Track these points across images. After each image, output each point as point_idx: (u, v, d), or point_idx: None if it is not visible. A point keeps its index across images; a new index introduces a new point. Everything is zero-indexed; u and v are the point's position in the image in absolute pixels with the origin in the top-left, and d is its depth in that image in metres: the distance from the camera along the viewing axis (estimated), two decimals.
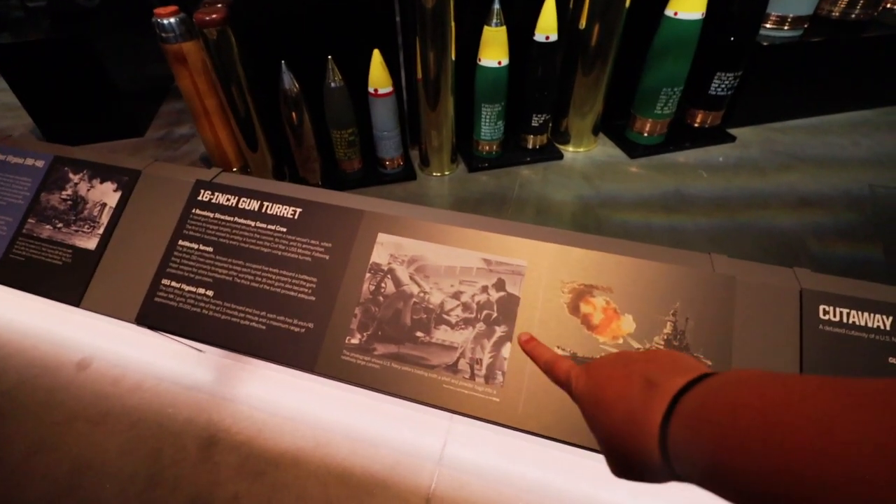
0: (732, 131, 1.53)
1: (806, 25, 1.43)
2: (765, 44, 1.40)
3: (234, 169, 1.34)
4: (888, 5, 1.49)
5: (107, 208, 0.78)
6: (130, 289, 0.72)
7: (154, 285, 0.71)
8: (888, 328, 0.54)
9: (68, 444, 0.81)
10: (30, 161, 0.85)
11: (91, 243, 0.77)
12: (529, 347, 0.41)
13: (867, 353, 0.52)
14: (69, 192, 0.81)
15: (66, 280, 0.75)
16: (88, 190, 0.80)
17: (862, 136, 1.49)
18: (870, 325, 0.54)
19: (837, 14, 1.47)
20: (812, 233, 1.14)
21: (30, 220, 0.80)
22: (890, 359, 0.52)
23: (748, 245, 1.11)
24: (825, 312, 0.56)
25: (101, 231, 0.77)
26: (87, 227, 0.78)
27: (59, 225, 0.79)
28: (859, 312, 0.55)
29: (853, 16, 1.46)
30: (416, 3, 1.08)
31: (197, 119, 1.23)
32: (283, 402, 0.85)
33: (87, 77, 1.46)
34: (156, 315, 0.70)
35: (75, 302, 0.73)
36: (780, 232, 1.15)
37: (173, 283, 0.71)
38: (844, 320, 0.55)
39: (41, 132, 1.55)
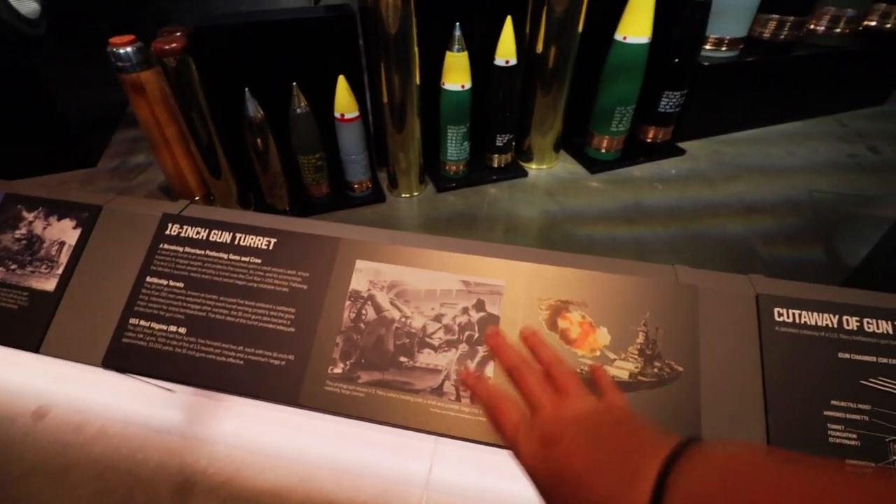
0: (682, 145, 1.62)
1: (741, 46, 1.55)
2: (706, 64, 1.51)
3: (197, 198, 1.31)
4: (811, 27, 1.63)
5: (66, 247, 0.75)
6: (95, 330, 0.69)
7: (121, 325, 0.68)
8: (835, 326, 0.59)
9: (28, 500, 0.75)
10: None
11: (49, 284, 0.73)
12: (472, 385, 0.38)
13: (820, 350, 0.57)
14: (23, 231, 0.77)
15: (23, 325, 0.71)
16: (45, 228, 0.76)
17: (797, 145, 1.62)
18: (820, 324, 0.59)
19: (768, 35, 1.60)
20: (760, 238, 1.22)
21: None
22: (840, 354, 0.57)
23: (704, 252, 1.18)
24: (779, 315, 0.60)
25: (59, 271, 0.74)
26: (44, 267, 0.74)
27: (13, 267, 0.75)
28: (810, 313, 0.59)
29: (781, 37, 1.59)
30: (380, 29, 1.10)
31: (156, 149, 1.19)
32: (261, 439, 0.83)
33: (33, 107, 1.39)
34: (124, 357, 0.67)
35: (33, 347, 0.69)
36: (732, 238, 1.22)
37: (142, 322, 0.68)
38: (797, 321, 0.59)
39: None
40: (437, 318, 0.64)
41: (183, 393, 0.88)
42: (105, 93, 1.79)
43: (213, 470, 0.79)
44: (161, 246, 0.72)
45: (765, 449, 0.22)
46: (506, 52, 1.25)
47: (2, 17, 1.32)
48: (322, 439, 0.82)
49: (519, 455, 0.31)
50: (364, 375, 0.62)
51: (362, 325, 0.65)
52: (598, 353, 0.60)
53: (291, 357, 0.64)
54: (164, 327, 0.67)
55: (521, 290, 0.63)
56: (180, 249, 0.71)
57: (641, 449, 0.26)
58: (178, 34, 1.05)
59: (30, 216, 0.78)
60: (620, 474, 0.26)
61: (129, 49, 1.05)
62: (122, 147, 1.66)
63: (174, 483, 0.77)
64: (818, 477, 0.20)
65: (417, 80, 1.22)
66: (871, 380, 0.55)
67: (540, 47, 1.32)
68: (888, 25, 1.72)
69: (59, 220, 0.77)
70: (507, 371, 0.37)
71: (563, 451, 0.29)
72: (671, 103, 1.50)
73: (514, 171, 1.50)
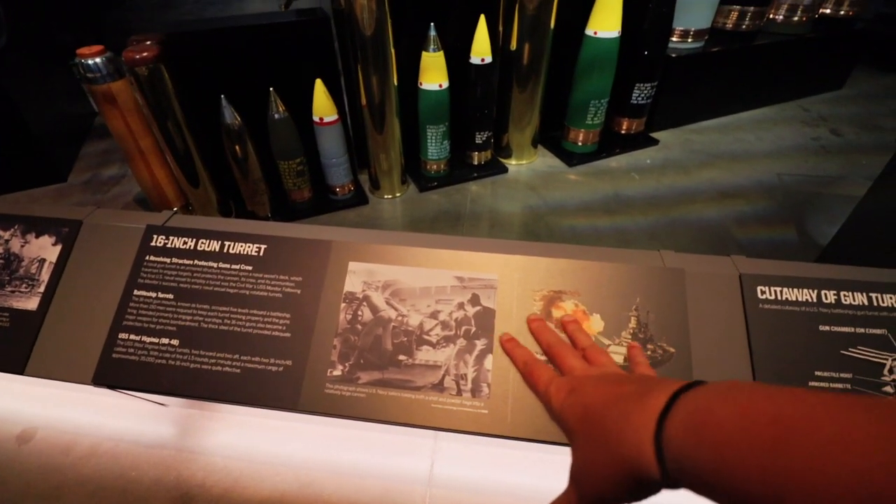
0: (655, 135, 1.67)
1: (706, 37, 1.60)
2: (674, 55, 1.56)
3: (175, 209, 1.28)
4: (771, 16, 1.70)
5: (46, 264, 0.73)
6: (83, 348, 0.67)
7: (110, 341, 0.67)
8: (814, 300, 0.62)
9: None
10: None
11: (31, 304, 0.71)
12: (509, 347, 0.41)
13: (802, 325, 0.60)
14: (0, 250, 0.74)
15: (6, 347, 0.68)
16: (23, 246, 0.74)
17: (765, 131, 1.68)
18: (800, 299, 0.61)
19: (731, 26, 1.66)
20: (735, 221, 1.27)
21: None
22: (821, 327, 0.60)
23: (683, 238, 1.22)
24: (762, 293, 0.63)
25: (41, 289, 0.71)
26: (24, 286, 0.72)
27: None
28: (790, 289, 0.62)
29: (744, 27, 1.65)
30: (356, 32, 1.10)
31: (131, 160, 1.16)
32: (258, 447, 0.82)
33: None
34: (115, 373, 0.65)
35: (18, 369, 0.67)
36: (708, 223, 1.27)
37: (132, 336, 0.67)
38: (779, 297, 0.62)
39: None
40: (434, 315, 0.64)
41: (175, 406, 0.86)
42: (71, 105, 1.73)
43: (211, 482, 0.78)
44: (147, 258, 0.70)
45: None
46: (481, 50, 1.26)
47: None
48: (320, 444, 0.82)
49: (549, 403, 0.35)
50: (364, 376, 0.62)
51: (359, 326, 0.65)
52: (593, 339, 0.61)
53: (289, 362, 0.63)
54: (156, 340, 0.66)
55: (514, 282, 0.64)
56: (167, 261, 0.70)
57: (658, 385, 0.28)
58: (149, 42, 1.02)
59: (6, 234, 0.75)
60: (636, 400, 0.28)
61: (98, 60, 1.02)
62: (93, 160, 1.61)
63: (171, 499, 0.76)
64: (815, 393, 0.22)
65: (395, 81, 1.22)
66: (851, 349, 0.58)
67: (514, 45, 1.34)
68: (842, 12, 1.80)
69: (37, 236, 0.74)
70: (545, 347, 0.40)
71: (588, 392, 0.32)
72: (643, 95, 1.54)
73: (495, 168, 1.52)
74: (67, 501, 0.76)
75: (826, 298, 0.61)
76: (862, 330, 0.59)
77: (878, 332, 0.59)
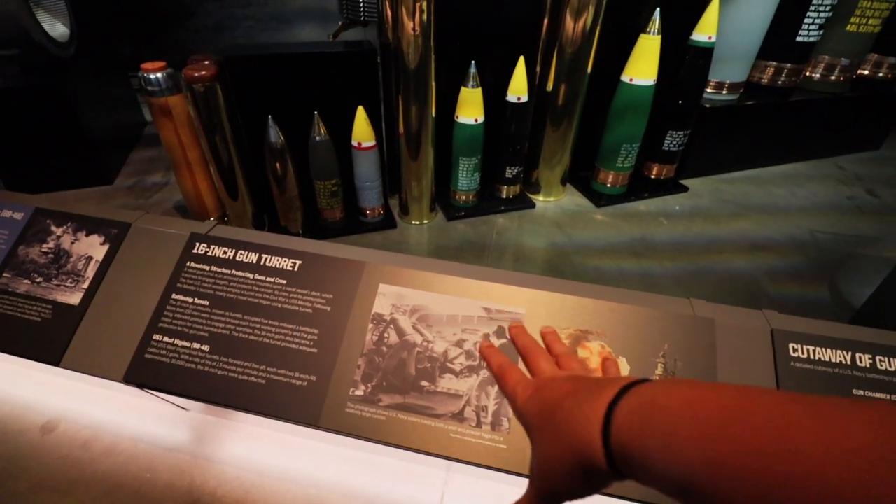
0: (685, 182, 1.67)
1: (741, 90, 1.62)
2: (707, 106, 1.57)
3: (213, 218, 1.33)
4: (808, 74, 1.71)
5: (92, 262, 0.76)
6: (118, 345, 0.70)
7: (145, 341, 0.69)
8: (848, 363, 0.60)
9: None
10: (6, 213, 0.82)
11: (74, 298, 0.74)
12: (487, 353, 0.42)
13: (835, 387, 0.58)
14: (51, 245, 0.78)
15: (46, 338, 0.71)
16: (73, 243, 0.78)
17: (797, 186, 1.67)
18: (834, 360, 0.60)
19: (766, 81, 1.67)
20: (764, 275, 1.25)
21: (5, 275, 0.77)
22: (854, 391, 0.58)
23: (711, 287, 1.20)
24: (794, 350, 0.61)
25: (85, 285, 0.75)
26: (70, 281, 0.75)
27: (39, 279, 0.76)
28: (824, 349, 0.61)
29: (779, 82, 1.66)
30: (400, 65, 1.16)
31: (177, 169, 1.22)
32: (272, 462, 0.82)
33: (57, 125, 1.43)
34: (146, 372, 0.67)
35: (55, 361, 0.70)
36: (738, 274, 1.25)
37: (165, 339, 0.69)
38: (812, 357, 0.61)
39: (1, 180, 1.48)
40: (459, 344, 0.65)
41: (196, 412, 0.87)
42: (124, 113, 1.84)
43: (222, 492, 0.78)
44: (188, 264, 0.73)
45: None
46: (518, 89, 1.30)
47: (34, 39, 1.37)
48: (332, 464, 0.82)
49: (514, 401, 0.35)
50: (385, 398, 0.63)
51: (384, 349, 0.66)
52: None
53: (313, 378, 0.65)
54: (188, 344, 0.68)
55: (541, 318, 0.65)
56: (207, 268, 0.73)
57: (612, 380, 0.29)
58: (207, 62, 1.09)
59: (58, 231, 0.79)
60: (589, 393, 0.29)
61: (159, 75, 1.09)
62: (139, 166, 1.69)
63: None
64: (758, 388, 0.23)
65: (433, 113, 1.26)
66: None
67: (550, 85, 1.38)
68: (881, 74, 1.80)
69: (87, 235, 0.78)
70: (520, 350, 0.42)
71: (550, 388, 0.33)
72: (675, 142, 1.55)
73: (523, 202, 1.54)
74: (82, 496, 0.77)
75: (861, 362, 0.59)
76: None
77: None
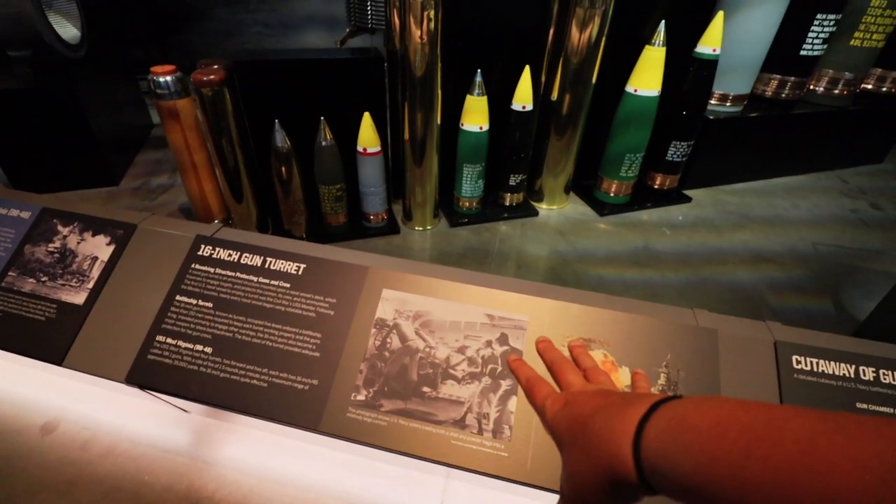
0: (688, 192, 1.67)
1: (745, 102, 1.63)
2: (711, 117, 1.58)
3: (217, 220, 1.33)
4: (811, 87, 1.72)
5: (98, 262, 0.77)
6: (121, 346, 0.70)
7: (148, 342, 0.69)
8: (852, 376, 0.60)
9: None
10: (14, 212, 0.83)
11: (79, 298, 0.74)
12: (515, 365, 0.43)
13: (839, 400, 0.58)
14: (57, 244, 0.79)
15: (49, 337, 0.72)
16: (79, 243, 0.78)
17: (800, 199, 1.67)
18: (837, 373, 0.60)
19: (770, 93, 1.68)
20: (767, 286, 1.24)
21: (10, 273, 0.77)
22: (858, 404, 0.58)
23: (713, 298, 1.20)
24: (798, 362, 0.61)
25: (90, 285, 0.75)
26: (75, 280, 0.76)
27: (44, 279, 0.76)
28: (827, 362, 0.61)
29: (783, 95, 1.67)
30: (407, 72, 1.16)
31: (183, 171, 1.23)
32: (271, 465, 0.82)
33: (66, 126, 1.44)
34: (148, 373, 0.67)
35: (58, 360, 0.70)
36: (740, 286, 1.25)
37: (168, 340, 0.69)
38: (815, 369, 0.61)
39: (8, 179, 1.50)
40: (461, 350, 0.65)
41: (196, 414, 0.87)
42: (132, 115, 1.85)
43: (221, 495, 0.78)
44: (193, 266, 0.73)
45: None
46: (523, 98, 1.31)
47: (46, 40, 1.39)
48: (331, 468, 0.81)
49: (544, 415, 0.35)
50: (387, 404, 0.63)
51: (387, 354, 0.66)
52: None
53: (315, 382, 0.65)
54: (191, 346, 0.68)
55: (544, 326, 0.65)
56: (211, 270, 0.73)
57: (643, 396, 0.30)
58: (216, 66, 1.10)
59: (65, 230, 0.80)
60: (620, 409, 0.29)
61: (168, 78, 1.10)
62: (145, 168, 1.70)
63: None
64: (786, 406, 0.23)
65: (438, 120, 1.27)
66: None
67: (555, 95, 1.39)
68: (884, 89, 1.81)
69: (93, 235, 0.79)
70: (549, 364, 0.42)
71: (580, 403, 0.33)
72: (678, 153, 1.55)
73: (526, 210, 1.54)
74: (80, 497, 0.77)
75: (864, 375, 0.59)
76: None
77: None
